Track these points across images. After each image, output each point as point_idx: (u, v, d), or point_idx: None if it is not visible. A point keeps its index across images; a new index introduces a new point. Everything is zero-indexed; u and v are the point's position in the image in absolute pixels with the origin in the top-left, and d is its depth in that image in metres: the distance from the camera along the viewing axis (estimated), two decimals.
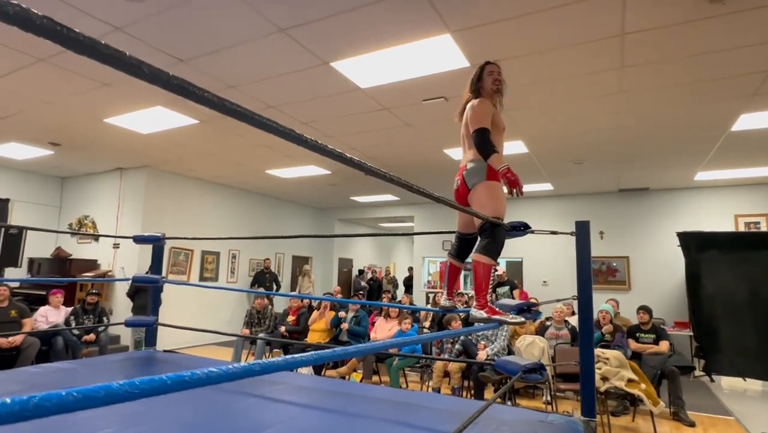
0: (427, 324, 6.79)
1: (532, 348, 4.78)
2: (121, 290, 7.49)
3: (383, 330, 5.50)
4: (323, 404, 2.59)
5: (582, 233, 2.96)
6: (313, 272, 11.69)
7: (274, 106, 4.70)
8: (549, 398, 4.81)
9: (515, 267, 9.94)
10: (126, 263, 7.56)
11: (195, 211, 8.42)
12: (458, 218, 2.69)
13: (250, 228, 9.55)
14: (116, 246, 7.68)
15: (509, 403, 4.61)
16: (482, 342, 4.85)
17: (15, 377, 3.01)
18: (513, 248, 9.40)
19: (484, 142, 2.26)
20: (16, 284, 7.45)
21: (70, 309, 5.99)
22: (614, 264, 8.47)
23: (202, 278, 8.48)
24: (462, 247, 2.66)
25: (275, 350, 6.38)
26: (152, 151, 6.63)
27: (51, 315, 5.65)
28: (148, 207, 7.62)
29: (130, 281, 6.05)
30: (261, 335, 6.06)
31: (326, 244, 12.05)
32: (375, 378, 5.54)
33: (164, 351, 4.32)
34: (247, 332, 6.15)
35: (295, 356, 0.83)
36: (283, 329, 6.09)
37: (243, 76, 4.04)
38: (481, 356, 4.60)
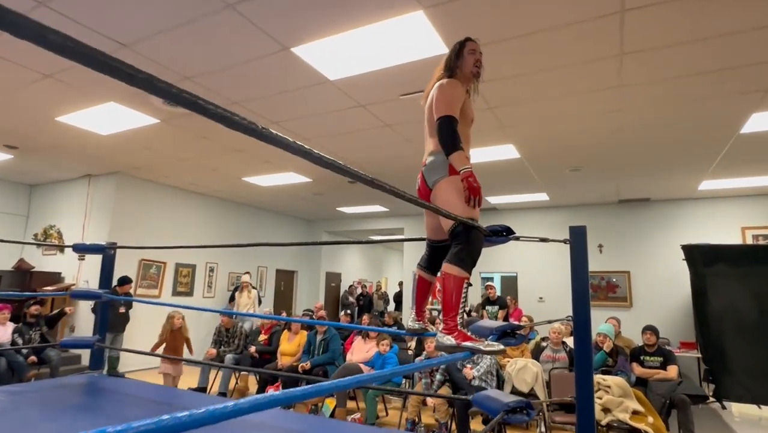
0: (412, 345, 6.26)
1: (524, 373, 4.26)
2: (85, 305, 6.97)
3: (360, 351, 4.97)
4: None
5: (578, 240, 2.48)
6: (301, 283, 11.15)
7: (238, 102, 4.26)
8: (544, 429, 4.28)
9: (510, 282, 9.43)
10: (91, 276, 7.04)
11: (170, 222, 7.93)
12: (426, 221, 2.23)
13: (232, 240, 9.04)
14: (81, 258, 7.17)
15: None
16: (468, 365, 4.33)
17: None
18: (508, 262, 8.93)
19: (448, 133, 1.84)
20: None
21: (16, 325, 5.46)
22: (614, 279, 7.98)
23: (175, 293, 7.95)
24: (433, 256, 2.20)
25: (243, 373, 5.82)
26: (118, 155, 6.18)
27: None
28: (117, 216, 7.13)
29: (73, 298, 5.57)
30: (229, 356, 5.52)
31: (313, 257, 11.53)
32: (351, 404, 5.00)
33: (110, 375, 3.82)
34: (213, 352, 5.61)
35: (258, 397, 0.73)
36: (253, 349, 5.56)
37: (196, 65, 3.60)
38: (468, 374, 4.08)
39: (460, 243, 1.85)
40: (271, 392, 4.82)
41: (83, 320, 6.98)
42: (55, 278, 7.22)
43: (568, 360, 4.53)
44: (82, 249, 3.88)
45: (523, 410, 2.11)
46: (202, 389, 5.36)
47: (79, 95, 4.24)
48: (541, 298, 8.40)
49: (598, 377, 3.88)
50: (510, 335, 2.13)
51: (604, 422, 3.65)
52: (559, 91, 3.88)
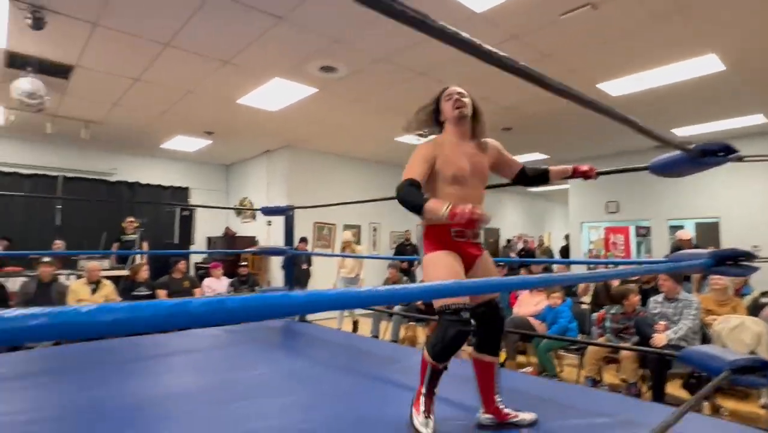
0: (587, 299, 5.73)
1: (740, 333, 3.50)
2: (277, 263, 8.11)
3: (528, 305, 4.72)
4: (451, 395, 2.12)
5: None
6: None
7: (386, 57, 4.25)
8: None
9: (708, 230, 7.89)
10: (278, 238, 8.11)
11: (335, 187, 8.60)
12: None
13: (391, 201, 9.42)
14: (269, 223, 8.30)
15: (705, 403, 3.46)
16: (661, 321, 3.73)
17: (176, 339, 3.43)
18: (705, 205, 7.44)
19: (404, 197, 1.61)
20: (199, 259, 8.66)
21: (231, 280, 6.63)
22: None
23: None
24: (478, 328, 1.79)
25: (411, 323, 6.10)
26: (287, 129, 6.85)
27: (214, 285, 6.30)
28: (292, 186, 8.02)
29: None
30: (397, 308, 5.83)
31: None
32: (521, 359, 4.83)
33: (300, 321, 4.38)
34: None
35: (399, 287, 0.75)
36: (420, 302, 5.75)
37: (341, 26, 3.65)
38: (659, 339, 3.52)
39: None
40: None
41: (277, 276, 8.15)
42: (251, 241, 8.54)
43: None
44: (268, 212, 4.43)
45: (759, 371, 1.69)
46: (374, 336, 5.79)
47: (250, 76, 4.73)
48: (755, 247, 6.82)
49: None
50: (731, 262, 1.70)
51: None
52: None
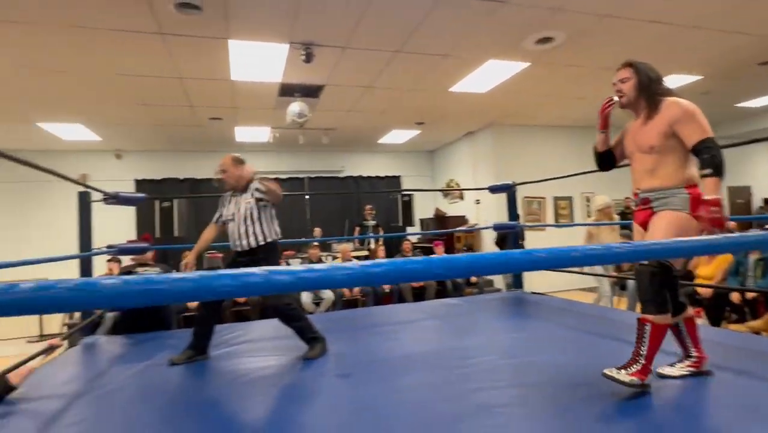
0: None
1: None
2: (488, 239, 8.39)
3: None
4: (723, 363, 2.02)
5: None
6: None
7: (607, 15, 3.98)
8: None
9: None
10: (487, 216, 8.36)
11: (541, 159, 8.36)
12: None
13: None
14: (477, 202, 8.61)
15: None
16: None
17: (421, 308, 4.04)
18: None
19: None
20: (414, 239, 9.56)
21: None
22: None
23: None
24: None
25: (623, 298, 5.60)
26: (492, 108, 6.96)
27: None
28: (499, 162, 8.13)
29: (496, 232, 6.69)
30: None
31: None
32: None
33: (531, 293, 4.54)
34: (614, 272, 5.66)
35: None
36: None
37: None
38: None
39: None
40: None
41: (488, 251, 8.44)
42: (462, 220, 8.99)
43: None
44: (497, 189, 4.67)
45: None
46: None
47: (466, 63, 5.00)
48: None
49: None
50: None
51: None
52: None
